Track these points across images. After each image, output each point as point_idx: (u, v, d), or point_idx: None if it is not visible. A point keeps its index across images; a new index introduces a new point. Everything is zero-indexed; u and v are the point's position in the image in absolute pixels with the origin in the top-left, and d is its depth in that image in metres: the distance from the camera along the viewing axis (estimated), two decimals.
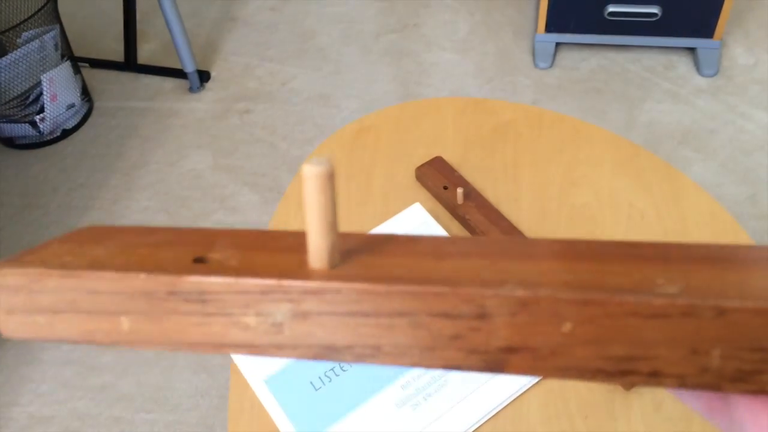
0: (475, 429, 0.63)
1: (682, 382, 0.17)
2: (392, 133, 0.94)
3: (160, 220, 1.55)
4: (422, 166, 0.86)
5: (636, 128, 1.63)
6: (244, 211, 1.56)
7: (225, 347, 0.20)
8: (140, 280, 0.19)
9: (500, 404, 0.64)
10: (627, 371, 0.17)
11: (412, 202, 0.82)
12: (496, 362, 0.18)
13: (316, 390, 0.64)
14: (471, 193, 0.82)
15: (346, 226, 0.83)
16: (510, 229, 0.78)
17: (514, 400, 0.65)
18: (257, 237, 0.22)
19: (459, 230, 0.80)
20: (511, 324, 0.18)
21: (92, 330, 0.20)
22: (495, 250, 0.20)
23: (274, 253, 0.21)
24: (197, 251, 0.21)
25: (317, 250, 0.19)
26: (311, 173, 0.18)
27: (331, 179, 0.19)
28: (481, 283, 0.18)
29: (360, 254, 0.21)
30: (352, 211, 0.85)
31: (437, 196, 0.84)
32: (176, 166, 1.67)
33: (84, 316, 0.20)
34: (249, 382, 0.65)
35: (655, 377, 0.17)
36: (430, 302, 0.18)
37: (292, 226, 0.85)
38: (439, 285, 0.18)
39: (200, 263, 0.20)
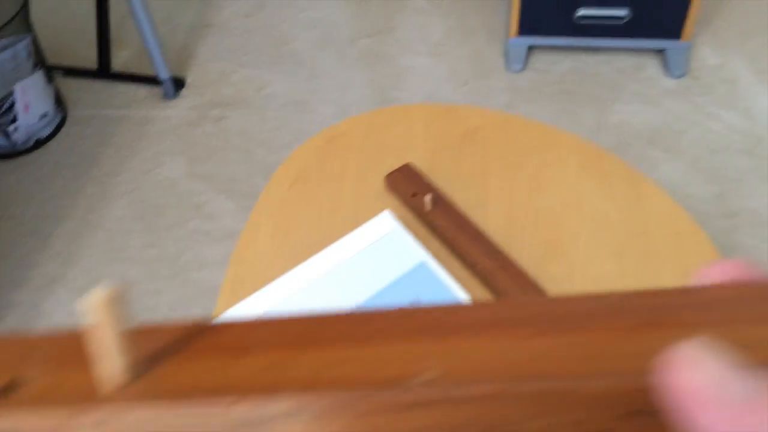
0: None
1: None
2: (363, 140, 0.95)
3: (137, 228, 1.55)
4: (392, 173, 0.88)
5: (606, 129, 1.66)
6: (221, 219, 1.56)
7: None
8: None
9: None
10: None
11: (382, 209, 0.83)
12: None
13: None
14: (439, 200, 0.83)
15: (316, 233, 0.84)
16: (477, 235, 0.79)
17: None
18: (75, 342, 0.22)
19: (427, 236, 0.82)
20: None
21: None
22: (293, 338, 0.21)
23: (83, 366, 0.21)
24: (6, 374, 0.21)
25: (106, 373, 0.20)
26: (86, 307, 0.19)
27: (108, 307, 0.19)
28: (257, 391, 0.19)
29: (164, 360, 0.21)
30: (323, 218, 0.86)
31: (407, 203, 0.85)
32: (151, 174, 1.66)
33: None
34: None
35: None
36: (196, 420, 0.19)
37: (263, 233, 0.86)
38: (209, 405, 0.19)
39: (6, 393, 0.20)
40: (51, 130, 1.76)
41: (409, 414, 0.18)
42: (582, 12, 1.68)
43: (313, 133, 0.98)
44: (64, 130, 1.78)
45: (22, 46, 1.67)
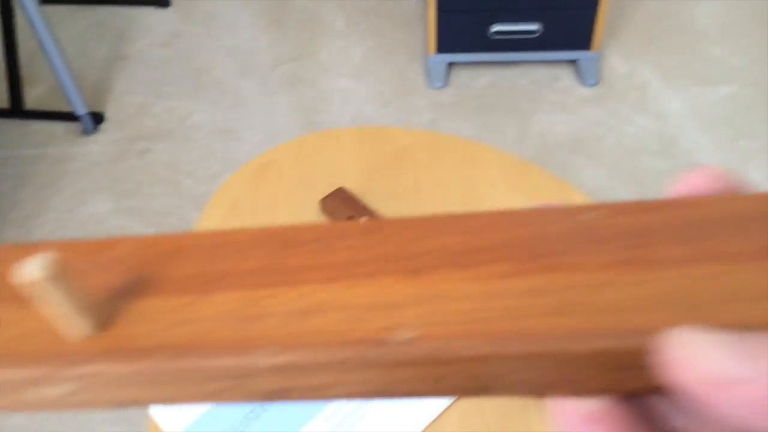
0: None
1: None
2: (294, 166, 0.95)
3: None
4: (326, 197, 0.88)
5: (529, 139, 1.71)
6: None
7: (32, 407, 0.20)
8: None
9: (421, 426, 0.66)
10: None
11: None
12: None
13: None
14: None
15: None
16: None
17: (435, 420, 0.67)
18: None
19: None
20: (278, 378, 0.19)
21: None
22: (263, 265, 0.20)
23: (22, 308, 0.20)
24: None
25: (70, 330, 0.19)
26: (28, 281, 0.18)
27: (55, 279, 0.18)
28: (233, 353, 0.18)
29: (127, 301, 0.20)
30: None
31: None
32: (75, 212, 1.61)
33: None
34: None
35: None
36: (186, 377, 0.18)
37: None
38: (187, 358, 0.18)
39: None
40: None
41: (389, 370, 0.18)
42: (496, 28, 1.74)
43: (241, 162, 0.97)
44: None
45: None
